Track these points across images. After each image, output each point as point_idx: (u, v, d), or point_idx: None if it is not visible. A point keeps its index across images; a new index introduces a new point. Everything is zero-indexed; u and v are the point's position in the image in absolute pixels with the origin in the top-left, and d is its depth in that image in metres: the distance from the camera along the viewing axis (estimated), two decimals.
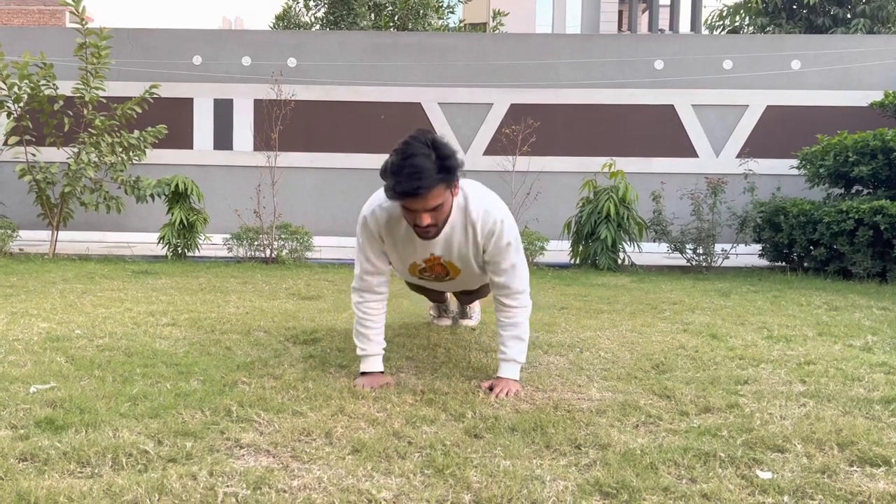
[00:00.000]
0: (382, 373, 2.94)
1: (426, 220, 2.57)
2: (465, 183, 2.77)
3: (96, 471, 1.95)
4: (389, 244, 2.88)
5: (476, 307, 4.23)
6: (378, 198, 2.80)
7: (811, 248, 7.73)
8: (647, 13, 29.07)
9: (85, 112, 8.30)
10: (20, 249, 8.45)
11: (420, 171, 2.43)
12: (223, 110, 11.21)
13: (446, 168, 2.50)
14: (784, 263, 8.53)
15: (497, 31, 18.14)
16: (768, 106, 10.91)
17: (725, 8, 19.79)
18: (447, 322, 4.23)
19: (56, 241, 8.39)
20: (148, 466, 1.98)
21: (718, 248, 8.28)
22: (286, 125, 9.09)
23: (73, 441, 2.12)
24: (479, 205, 2.77)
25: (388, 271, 2.99)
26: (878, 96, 9.35)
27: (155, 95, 8.63)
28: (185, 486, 1.84)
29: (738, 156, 10.36)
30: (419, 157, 2.45)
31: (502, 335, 2.92)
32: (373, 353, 2.94)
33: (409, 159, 2.44)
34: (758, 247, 8.77)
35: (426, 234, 2.67)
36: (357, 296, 2.98)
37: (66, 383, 2.75)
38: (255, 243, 8.19)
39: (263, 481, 1.89)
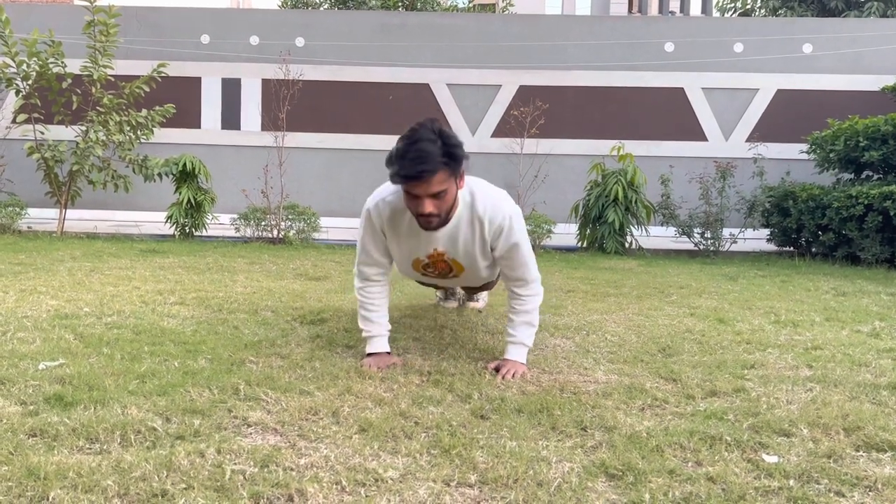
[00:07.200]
0: (389, 353, 2.95)
1: (429, 206, 2.55)
2: (471, 180, 2.75)
3: (105, 447, 1.96)
4: (392, 239, 2.85)
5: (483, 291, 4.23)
6: (382, 191, 2.78)
7: (820, 233, 7.70)
8: None
9: (93, 90, 8.29)
10: (28, 227, 8.49)
11: (425, 155, 2.43)
12: (231, 90, 11.18)
13: (451, 155, 2.50)
14: (792, 248, 8.50)
15: (506, 12, 18.01)
16: (779, 90, 10.80)
17: None
18: (454, 304, 4.24)
19: (64, 219, 8.41)
20: (156, 443, 1.99)
21: (726, 232, 8.26)
22: (294, 105, 9.08)
23: (81, 417, 2.13)
24: (485, 200, 2.75)
25: (387, 264, 2.98)
26: (890, 80, 9.27)
27: (163, 74, 8.61)
28: (193, 463, 1.85)
29: (748, 140, 10.30)
30: (425, 142, 2.45)
31: (513, 320, 2.92)
32: (377, 333, 2.95)
33: (415, 144, 2.45)
34: (766, 231, 8.74)
35: (428, 223, 2.64)
36: (358, 281, 2.99)
37: (74, 360, 2.77)
38: (263, 223, 8.20)
39: (271, 459, 1.90)
